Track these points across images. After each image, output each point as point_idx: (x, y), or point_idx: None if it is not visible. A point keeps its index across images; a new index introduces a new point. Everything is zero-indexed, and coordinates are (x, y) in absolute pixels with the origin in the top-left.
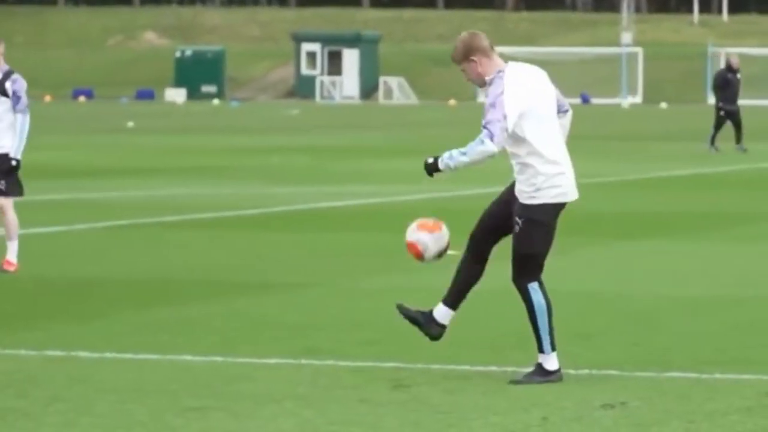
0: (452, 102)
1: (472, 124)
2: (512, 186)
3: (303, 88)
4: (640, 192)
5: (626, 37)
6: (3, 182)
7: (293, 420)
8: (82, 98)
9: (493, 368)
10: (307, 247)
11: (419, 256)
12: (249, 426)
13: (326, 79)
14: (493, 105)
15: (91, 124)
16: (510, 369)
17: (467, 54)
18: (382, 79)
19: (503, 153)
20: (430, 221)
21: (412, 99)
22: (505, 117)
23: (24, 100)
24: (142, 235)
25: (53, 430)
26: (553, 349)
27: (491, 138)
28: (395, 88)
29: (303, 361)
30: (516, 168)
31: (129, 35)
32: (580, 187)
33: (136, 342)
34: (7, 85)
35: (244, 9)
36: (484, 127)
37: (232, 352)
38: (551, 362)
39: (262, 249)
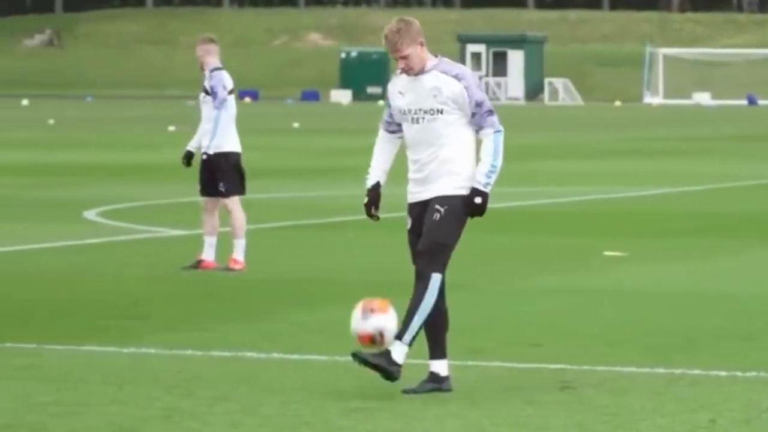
0: (618, 103)
1: (639, 125)
2: (415, 203)
3: None
4: None
5: None
6: (222, 183)
7: (459, 421)
8: (247, 99)
9: (660, 370)
10: (470, 248)
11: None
12: (415, 427)
13: (491, 80)
14: (478, 86)
15: (256, 124)
16: (678, 371)
17: (416, 37)
18: (547, 80)
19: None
20: (375, 301)
21: (577, 100)
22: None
23: (220, 95)
24: (307, 236)
25: (219, 430)
26: (410, 346)
27: (497, 120)
28: (560, 89)
29: (469, 363)
30: (438, 165)
31: (294, 36)
32: (748, 188)
33: (302, 342)
34: (206, 83)
35: (409, 10)
36: (489, 114)
37: None
38: (401, 355)
39: None
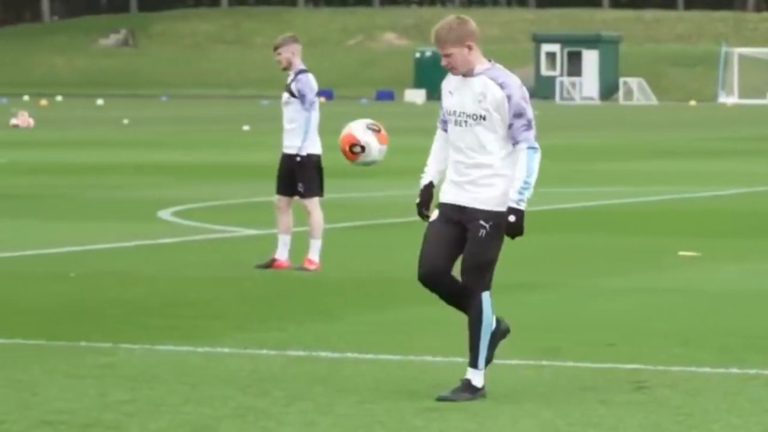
0: (692, 103)
1: (714, 124)
2: (449, 203)
3: (542, 88)
4: None
5: None
6: (301, 184)
7: (533, 421)
8: (322, 99)
9: (734, 370)
10: (544, 247)
11: (353, 154)
12: (489, 427)
13: (566, 79)
14: (523, 98)
15: (331, 124)
16: (752, 371)
17: (464, 38)
18: (621, 80)
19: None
20: (383, 131)
21: (652, 100)
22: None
23: (308, 98)
24: (381, 236)
25: (294, 430)
26: (486, 366)
27: (535, 137)
28: (635, 89)
29: (543, 362)
30: (479, 172)
31: (368, 36)
32: None
33: (376, 342)
34: (293, 85)
35: (483, 9)
36: (526, 128)
37: None
38: (480, 379)
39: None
